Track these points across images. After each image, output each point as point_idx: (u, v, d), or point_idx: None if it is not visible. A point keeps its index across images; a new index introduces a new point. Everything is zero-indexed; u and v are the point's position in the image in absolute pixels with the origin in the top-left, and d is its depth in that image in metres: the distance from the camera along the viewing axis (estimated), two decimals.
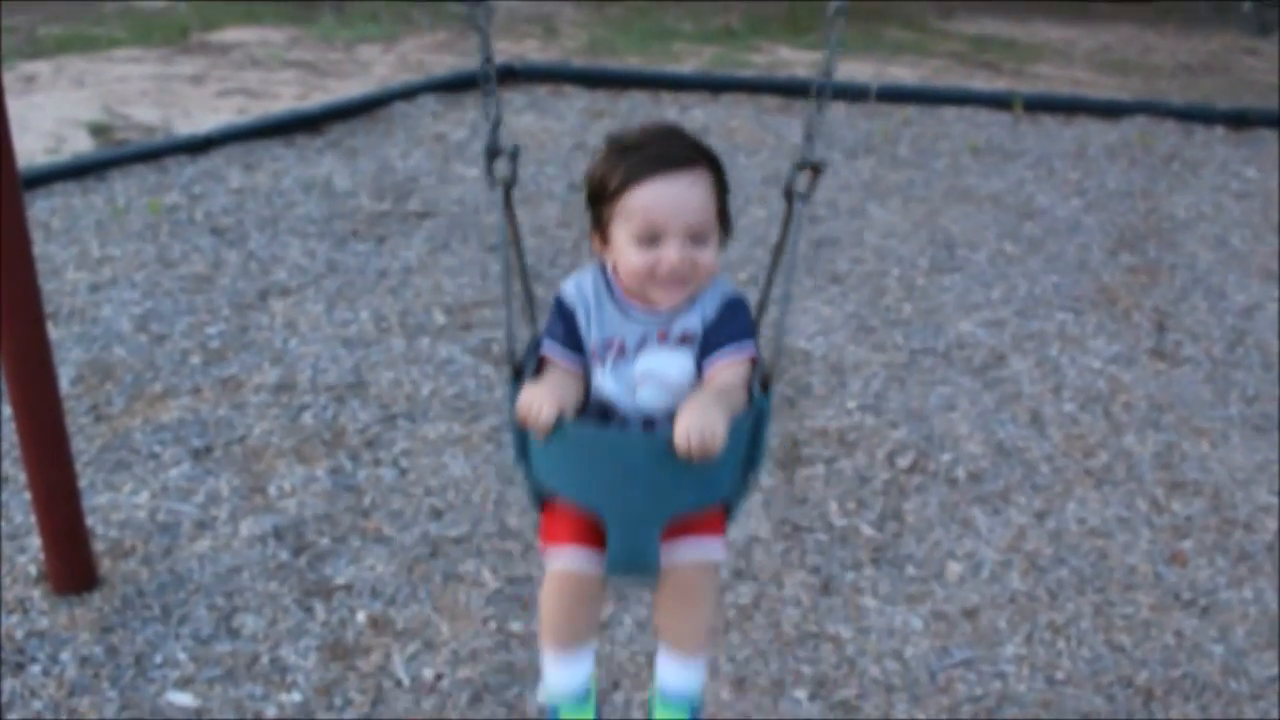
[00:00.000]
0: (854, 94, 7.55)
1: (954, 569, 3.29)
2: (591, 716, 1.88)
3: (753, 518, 3.44)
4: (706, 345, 1.78)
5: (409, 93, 6.95)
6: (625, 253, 1.76)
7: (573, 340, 1.82)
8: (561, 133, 6.63)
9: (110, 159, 5.55)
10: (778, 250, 1.83)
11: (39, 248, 4.61)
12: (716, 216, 1.78)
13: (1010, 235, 5.53)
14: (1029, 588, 3.22)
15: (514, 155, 1.75)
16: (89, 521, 3.10)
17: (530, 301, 1.92)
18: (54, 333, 4.10)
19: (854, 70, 9.05)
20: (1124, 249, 5.43)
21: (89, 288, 4.47)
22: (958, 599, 3.17)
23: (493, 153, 1.77)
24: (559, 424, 1.66)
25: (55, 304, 4.34)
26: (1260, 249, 5.50)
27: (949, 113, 7.27)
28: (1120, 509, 3.58)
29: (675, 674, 1.84)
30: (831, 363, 4.32)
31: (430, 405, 3.91)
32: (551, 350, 1.82)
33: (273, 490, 3.44)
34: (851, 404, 4.06)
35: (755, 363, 1.79)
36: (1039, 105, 7.29)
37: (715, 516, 1.81)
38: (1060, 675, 2.92)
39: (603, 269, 1.85)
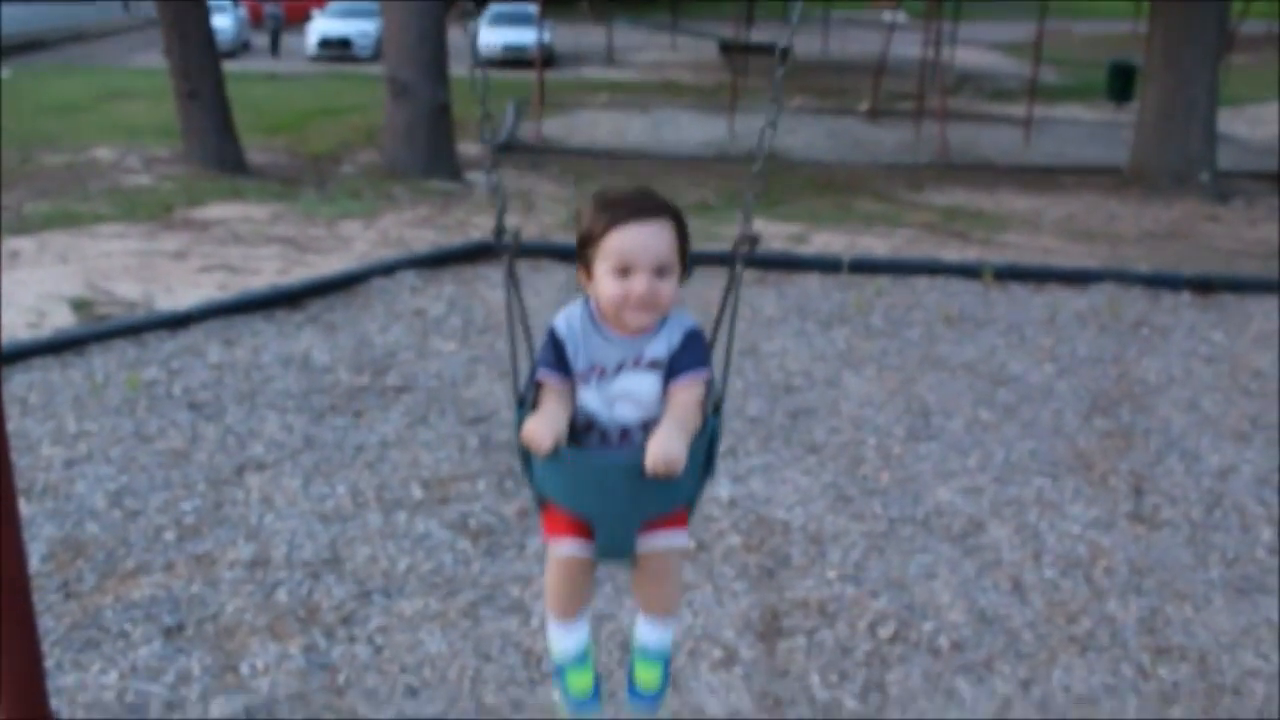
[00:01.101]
0: (827, 266, 7.72)
1: None
2: (590, 672, 2.34)
3: (733, 691, 3.37)
4: (671, 369, 2.17)
5: (388, 268, 7.07)
6: (604, 283, 2.16)
7: (562, 365, 2.20)
8: (539, 307, 6.72)
9: (90, 334, 5.60)
10: (722, 306, 2.24)
11: (14, 423, 4.61)
12: (678, 256, 2.18)
13: (985, 402, 5.58)
14: None
15: (516, 235, 2.20)
16: (54, 704, 3.01)
17: (529, 343, 2.28)
18: (26, 509, 4.05)
19: (827, 241, 9.29)
20: (1098, 414, 5.48)
21: (64, 463, 4.45)
22: None
23: (500, 230, 2.20)
24: (555, 450, 2.09)
25: (29, 480, 4.30)
26: (1231, 411, 5.56)
27: (921, 283, 7.43)
28: (1106, 676, 3.53)
29: (652, 634, 2.32)
30: (810, 533, 4.30)
31: (406, 581, 3.85)
32: (545, 375, 2.20)
33: (245, 669, 3.36)
34: (831, 574, 4.02)
35: (709, 385, 2.19)
36: (1009, 274, 7.47)
37: (680, 513, 2.24)
38: None
39: (587, 303, 2.23)
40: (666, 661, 2.39)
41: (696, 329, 2.21)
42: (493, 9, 27.64)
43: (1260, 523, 4.49)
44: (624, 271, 2.13)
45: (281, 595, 3.72)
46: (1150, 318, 6.86)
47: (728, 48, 25.48)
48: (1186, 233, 10.96)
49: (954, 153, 16.15)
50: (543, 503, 2.26)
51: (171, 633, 3.51)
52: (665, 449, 2.01)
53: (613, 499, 2.12)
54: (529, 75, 19.44)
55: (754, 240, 2.20)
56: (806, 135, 16.72)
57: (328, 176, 12.71)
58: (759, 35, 28.79)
